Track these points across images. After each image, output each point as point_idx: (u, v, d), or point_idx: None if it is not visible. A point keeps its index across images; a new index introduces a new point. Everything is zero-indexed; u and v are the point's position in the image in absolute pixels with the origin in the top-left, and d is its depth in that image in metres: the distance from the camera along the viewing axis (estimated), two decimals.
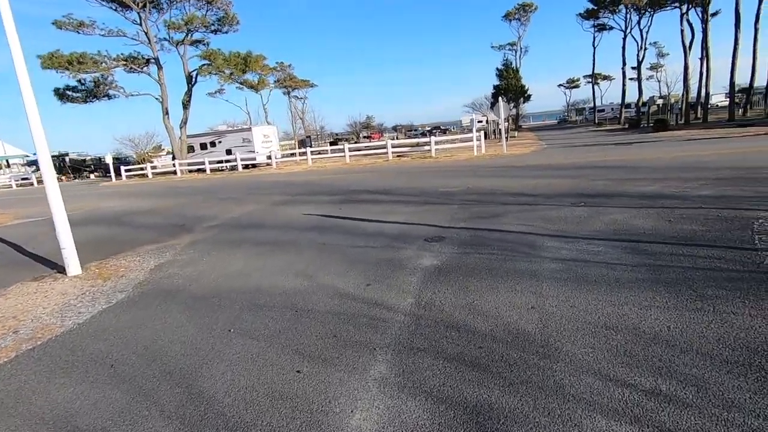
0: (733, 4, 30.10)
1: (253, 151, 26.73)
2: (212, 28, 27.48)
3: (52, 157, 38.55)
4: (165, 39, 26.85)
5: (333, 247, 5.87)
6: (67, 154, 40.69)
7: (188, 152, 29.14)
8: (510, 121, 65.57)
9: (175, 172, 27.36)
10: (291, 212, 9.10)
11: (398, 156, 24.11)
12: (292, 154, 28.52)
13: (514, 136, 39.32)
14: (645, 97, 50.32)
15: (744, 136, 17.10)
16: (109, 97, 26.76)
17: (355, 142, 60.40)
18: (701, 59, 33.90)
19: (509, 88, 29.79)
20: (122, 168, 28.64)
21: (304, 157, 25.58)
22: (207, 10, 25.76)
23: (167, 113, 27.37)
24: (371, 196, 10.22)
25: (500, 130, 38.10)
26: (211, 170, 27.20)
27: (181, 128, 28.10)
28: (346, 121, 78.90)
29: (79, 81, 25.33)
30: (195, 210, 10.84)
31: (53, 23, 22.06)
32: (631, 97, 48.67)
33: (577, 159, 14.13)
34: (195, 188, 18.18)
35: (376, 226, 6.90)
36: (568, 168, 11.99)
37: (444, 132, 74.55)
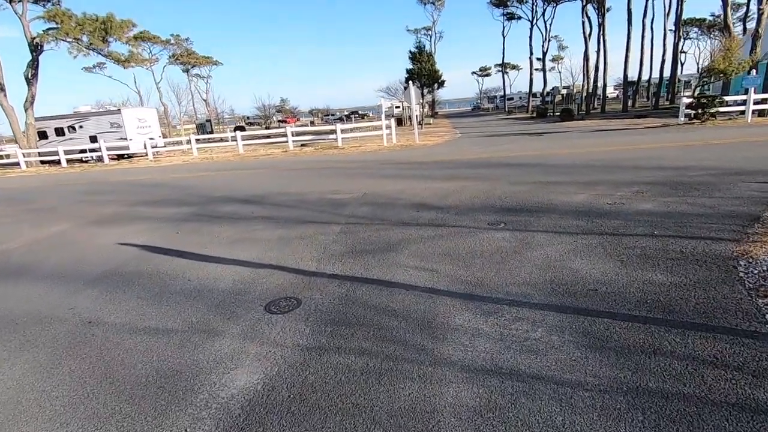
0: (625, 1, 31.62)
1: (125, 138, 22.06)
2: None
3: None
4: None
5: (97, 335, 3.31)
6: None
7: (40, 139, 23.41)
8: (426, 107, 65.55)
9: (18, 164, 21.71)
10: (104, 239, 6.20)
11: (302, 145, 21.37)
12: (178, 143, 24.23)
13: (429, 123, 38.45)
14: (549, 87, 52.69)
15: (646, 127, 17.21)
16: None
17: (266, 128, 55.69)
18: (598, 52, 35.52)
19: (422, 72, 28.26)
20: None
21: (201, 145, 21.68)
22: None
23: (3, 90, 21.43)
24: (233, 208, 7.63)
25: (414, 116, 37.17)
26: (69, 161, 22.03)
27: (26, 109, 22.27)
28: (255, 104, 72.84)
29: None
30: None
31: None
32: (538, 86, 50.59)
33: (492, 153, 12.74)
34: (6, 190, 13.88)
35: (208, 271, 4.45)
36: (484, 165, 10.43)
37: (362, 117, 72.36)
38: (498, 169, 9.54)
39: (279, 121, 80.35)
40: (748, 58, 17.33)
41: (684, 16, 36.24)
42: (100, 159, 21.69)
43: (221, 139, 23.64)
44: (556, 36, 69.84)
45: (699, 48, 71.03)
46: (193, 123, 61.41)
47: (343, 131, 20.28)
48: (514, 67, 73.41)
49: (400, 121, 40.46)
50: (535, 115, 38.58)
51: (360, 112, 76.42)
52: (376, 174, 10.28)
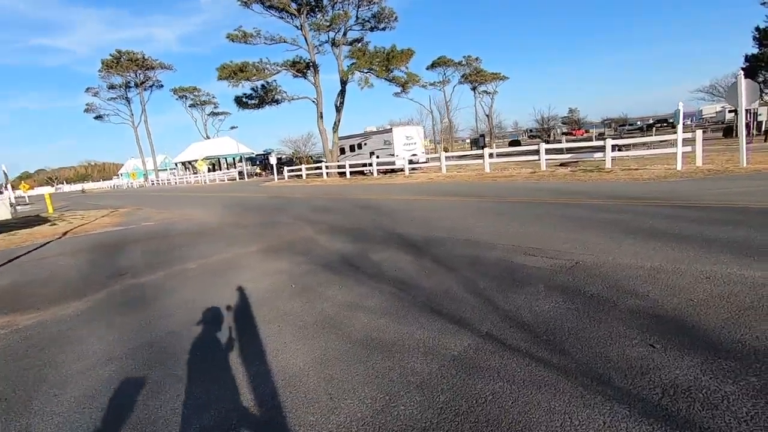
0: None
1: (393, 154, 24.21)
2: (368, 25, 26.04)
3: (258, 155, 45.24)
4: (326, 42, 26.86)
5: None
6: (270, 153, 46.95)
7: (341, 154, 28.86)
8: None
9: (320, 175, 27.36)
10: (237, 278, 5.68)
11: (561, 164, 17.63)
12: (437, 158, 24.74)
13: None
14: None
15: None
16: (277, 102, 28.58)
17: (546, 141, 51.91)
18: None
19: None
20: (285, 168, 30.51)
21: (449, 163, 21.55)
22: (358, 7, 24.24)
23: (321, 116, 27.51)
24: (388, 255, 5.88)
25: (747, 126, 25.40)
26: (354, 173, 26.04)
27: (333, 131, 27.90)
28: (535, 116, 69.63)
29: (252, 89, 27.80)
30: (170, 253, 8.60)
31: (226, 37, 24.50)
32: None
33: None
34: (289, 200, 16.70)
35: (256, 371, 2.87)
36: None
37: (673, 127, 57.41)
38: None
39: (563, 133, 74.15)
40: None
41: None
42: (378, 172, 24.59)
43: (477, 156, 22.46)
44: None
45: None
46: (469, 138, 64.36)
47: (617, 148, 15.33)
48: None
49: (728, 131, 28.90)
50: None
51: (670, 120, 60.90)
52: (613, 224, 6.35)
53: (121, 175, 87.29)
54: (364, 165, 25.76)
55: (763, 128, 23.91)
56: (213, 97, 70.10)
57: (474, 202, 10.40)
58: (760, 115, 26.27)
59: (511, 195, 10.88)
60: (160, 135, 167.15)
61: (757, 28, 19.08)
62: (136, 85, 57.02)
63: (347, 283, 4.87)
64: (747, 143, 11.58)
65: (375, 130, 26.94)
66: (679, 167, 12.00)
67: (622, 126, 64.70)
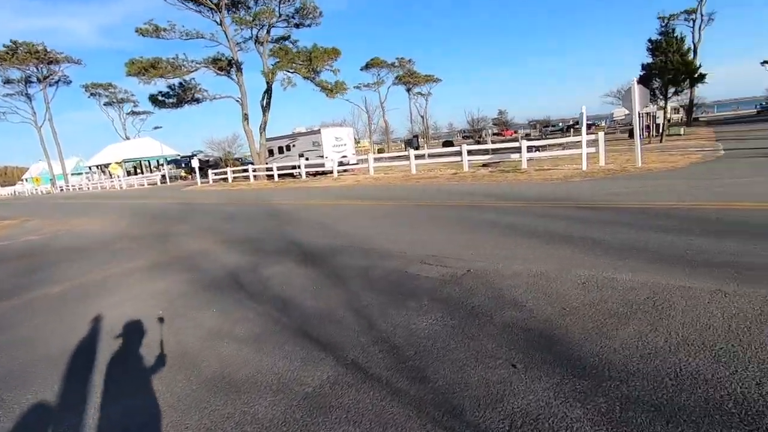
0: None
1: (322, 156, 23.63)
2: (293, 22, 25.18)
3: (183, 157, 42.19)
4: (249, 39, 25.58)
5: None
6: (195, 155, 44.11)
7: (269, 155, 27.70)
8: (681, 112, 50.70)
9: (248, 178, 26.08)
10: (101, 304, 4.94)
11: (483, 165, 18.15)
12: (365, 160, 24.57)
13: (680, 135, 28.75)
14: None
15: None
16: (198, 101, 26.80)
17: (477, 141, 53.80)
18: None
19: (668, 66, 20.46)
20: (210, 171, 28.73)
21: (380, 164, 21.44)
22: (281, 3, 23.30)
23: (247, 117, 26.19)
24: (285, 269, 5.44)
25: (647, 127, 28.06)
26: (282, 176, 25.08)
27: (260, 132, 26.69)
28: (466, 117, 72.17)
29: (170, 87, 25.82)
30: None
31: (136, 31, 22.42)
32: None
33: None
34: (201, 206, 15.63)
35: None
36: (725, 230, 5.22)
37: (590, 127, 62.10)
38: None
39: (494, 133, 77.54)
40: None
41: None
42: (307, 174, 23.82)
43: (403, 158, 22.50)
44: None
45: None
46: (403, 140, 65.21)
47: (531, 149, 16.05)
48: None
49: (632, 133, 31.70)
50: None
51: (588, 122, 65.91)
52: (514, 228, 6.44)
53: (25, 180, 77.85)
54: (293, 167, 24.91)
55: (660, 129, 26.38)
56: (132, 95, 64.74)
57: (390, 206, 10.22)
58: (657, 117, 28.99)
59: (429, 198, 10.85)
60: (72, 136, 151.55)
61: (650, 40, 21.07)
62: (39, 81, 50.97)
63: (224, 306, 4.36)
64: (645, 144, 12.51)
65: (304, 131, 26.17)
66: (584, 168, 12.73)
67: (545, 127, 68.83)
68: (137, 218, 13.49)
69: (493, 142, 40.49)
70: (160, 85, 25.65)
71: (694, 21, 45.66)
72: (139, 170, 57.51)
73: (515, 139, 49.69)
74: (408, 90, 72.63)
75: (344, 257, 5.68)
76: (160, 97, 26.21)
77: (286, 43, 26.13)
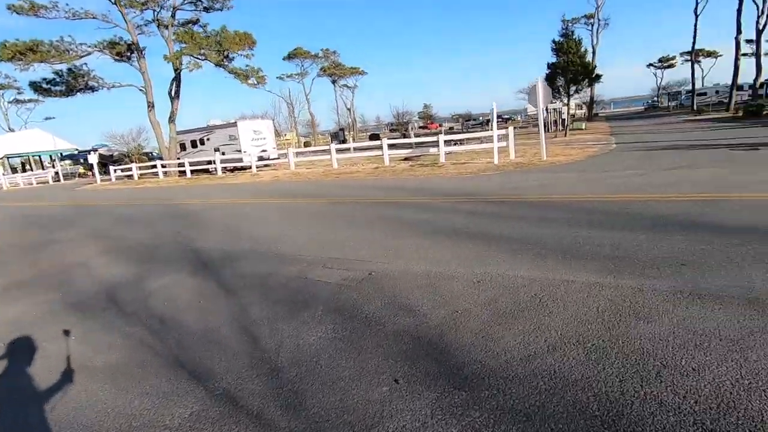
0: None
1: (240, 151, 22.33)
2: (201, 5, 23.30)
3: (82, 152, 37.39)
4: (152, 21, 23.21)
5: None
6: (95, 150, 39.54)
7: (181, 150, 25.60)
8: (583, 108, 55.65)
9: (157, 174, 23.90)
10: None
11: (405, 159, 18.31)
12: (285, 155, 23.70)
13: (582, 129, 31.43)
14: (765, 76, 38.75)
15: None
16: (92, 89, 23.84)
17: (403, 135, 54.52)
18: None
19: (570, 66, 22.22)
20: (111, 168, 25.87)
21: (303, 159, 20.70)
22: None
23: (152, 107, 23.85)
24: (174, 283, 4.89)
25: (562, 120, 30.46)
26: (195, 172, 23.31)
27: (169, 124, 24.50)
28: (392, 111, 72.95)
29: (56, 73, 22.64)
30: None
31: (8, 8, 19.06)
32: (746, 77, 37.44)
33: (671, 192, 7.56)
34: (94, 209, 14.04)
35: None
36: (623, 223, 5.68)
37: (506, 122, 65.94)
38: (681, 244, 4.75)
39: (420, 126, 79.29)
40: None
41: None
42: (223, 170, 22.34)
43: (326, 152, 22.01)
44: None
45: None
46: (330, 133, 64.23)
47: (449, 143, 16.50)
48: (709, 54, 57.56)
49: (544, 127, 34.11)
50: (740, 114, 28.11)
51: (504, 117, 69.91)
52: (421, 225, 6.46)
53: None
54: (209, 162, 23.27)
55: (565, 124, 28.60)
56: (14, 80, 56.21)
57: (304, 204, 9.84)
58: (563, 113, 31.39)
59: (346, 194, 10.61)
60: None
61: (554, 41, 22.74)
62: None
63: (90, 331, 3.77)
64: (552, 137, 13.27)
65: (219, 123, 24.52)
66: (496, 161, 13.31)
67: (468, 121, 71.72)
68: (10, 225, 11.64)
69: (417, 135, 41.28)
70: (44, 70, 22.41)
71: (592, 25, 50.32)
72: (28, 167, 50.34)
73: (439, 132, 51.24)
74: (333, 82, 71.63)
75: (244, 264, 5.24)
76: (44, 85, 22.82)
77: (196, 27, 24.16)
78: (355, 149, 24.25)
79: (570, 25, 32.28)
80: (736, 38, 33.50)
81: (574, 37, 22.24)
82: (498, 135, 13.72)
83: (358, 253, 5.11)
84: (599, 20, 49.03)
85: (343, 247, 5.42)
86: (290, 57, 59.81)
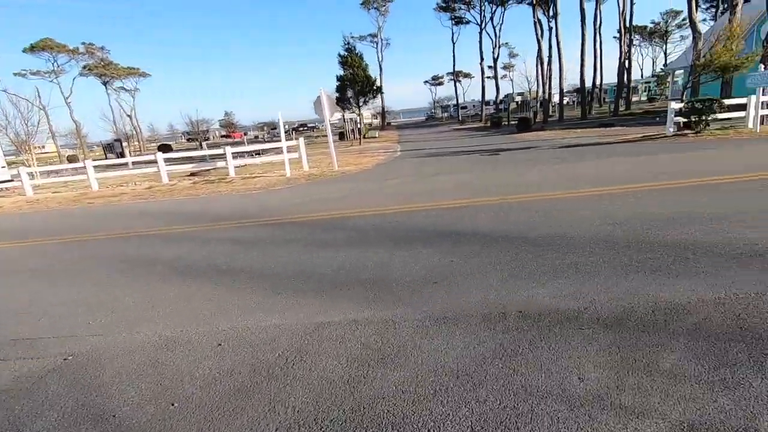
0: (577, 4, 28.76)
1: None
2: None
3: None
4: None
5: None
6: None
7: None
8: (378, 118, 61.18)
9: None
10: None
11: (191, 174, 16.11)
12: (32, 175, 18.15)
13: (375, 137, 34.15)
14: (503, 95, 49.92)
15: (626, 141, 13.38)
16: None
17: (200, 146, 49.12)
18: (550, 57, 32.68)
19: (357, 79, 23.67)
20: None
21: (52, 180, 15.90)
22: None
23: None
24: None
25: (357, 129, 32.42)
26: None
27: None
28: (184, 119, 65.88)
29: None
30: None
31: None
32: (491, 94, 47.62)
33: (428, 199, 8.19)
34: None
35: None
36: (391, 235, 5.78)
37: (311, 130, 67.07)
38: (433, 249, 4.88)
39: (222, 135, 73.54)
40: (756, 49, 13.96)
41: (627, 24, 34.39)
42: None
43: (77, 170, 17.64)
44: (506, 43, 68.57)
45: (642, 55, 71.51)
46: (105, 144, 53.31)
47: (240, 155, 15.22)
48: (466, 75, 71.22)
49: (342, 136, 35.73)
50: (488, 124, 35.20)
51: (309, 125, 71.15)
52: (185, 263, 5.35)
53: None
54: None
55: (360, 133, 30.46)
56: None
57: (22, 247, 7.20)
58: (358, 123, 33.42)
59: (93, 227, 8.29)
60: None
61: (340, 55, 23.94)
62: None
63: None
64: (348, 146, 13.37)
65: None
66: (288, 174, 12.76)
67: (273, 129, 70.31)
68: None
69: (216, 145, 37.88)
70: None
71: (377, 43, 55.71)
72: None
73: (242, 142, 48.39)
74: (105, 84, 60.01)
75: None
76: None
77: None
78: (135, 164, 20.43)
79: (353, 41, 34.74)
80: (480, 65, 42.03)
81: (356, 52, 23.75)
82: (288, 146, 13.20)
83: (60, 324, 3.63)
84: (382, 40, 54.70)
85: (40, 319, 3.82)
86: (34, 49, 47.05)
